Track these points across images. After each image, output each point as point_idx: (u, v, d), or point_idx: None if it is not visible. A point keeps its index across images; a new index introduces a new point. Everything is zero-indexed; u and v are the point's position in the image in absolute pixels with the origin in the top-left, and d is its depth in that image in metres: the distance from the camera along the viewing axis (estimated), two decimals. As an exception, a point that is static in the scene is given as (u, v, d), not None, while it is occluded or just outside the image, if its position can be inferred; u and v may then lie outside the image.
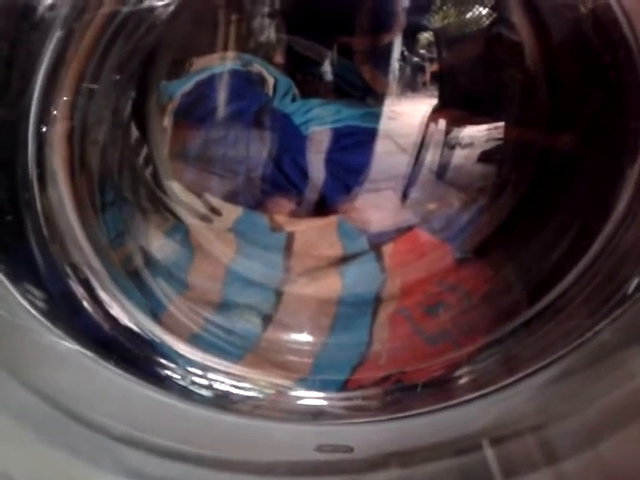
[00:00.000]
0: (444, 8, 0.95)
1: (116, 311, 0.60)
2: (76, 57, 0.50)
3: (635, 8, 0.50)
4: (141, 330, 0.63)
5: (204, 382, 0.66)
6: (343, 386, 0.73)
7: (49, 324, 0.53)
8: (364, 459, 0.63)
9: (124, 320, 0.61)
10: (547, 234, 0.73)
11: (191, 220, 0.88)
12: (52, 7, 0.46)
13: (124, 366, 0.58)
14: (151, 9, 0.52)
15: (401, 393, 0.70)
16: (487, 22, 0.90)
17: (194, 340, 0.71)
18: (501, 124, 0.88)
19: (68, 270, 0.56)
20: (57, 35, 0.47)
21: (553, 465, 0.60)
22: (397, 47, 0.99)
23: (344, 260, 0.89)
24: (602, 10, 0.53)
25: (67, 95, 0.52)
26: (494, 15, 0.89)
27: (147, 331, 0.63)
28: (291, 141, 0.96)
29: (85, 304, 0.58)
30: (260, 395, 0.69)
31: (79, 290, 0.57)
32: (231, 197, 0.92)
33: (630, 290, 0.56)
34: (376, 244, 0.90)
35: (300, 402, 0.70)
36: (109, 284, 0.59)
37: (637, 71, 0.52)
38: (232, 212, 0.91)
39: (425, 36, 1.01)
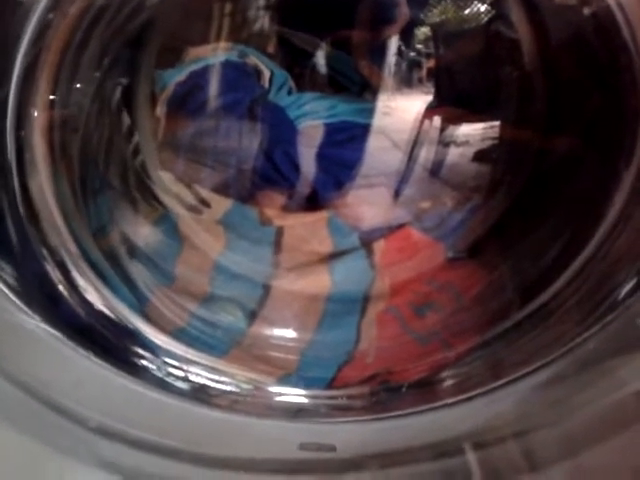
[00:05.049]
0: (442, 3, 0.94)
1: (92, 296, 0.59)
2: (54, 42, 0.49)
3: (636, 12, 0.50)
4: (117, 317, 0.62)
5: (180, 374, 0.65)
6: (329, 384, 0.72)
7: (23, 305, 0.52)
8: (341, 459, 0.62)
9: (99, 305, 0.60)
10: (540, 235, 0.72)
11: (180, 211, 0.87)
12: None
13: (100, 354, 0.57)
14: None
15: (386, 393, 0.69)
16: (486, 19, 0.89)
17: (178, 334, 0.70)
18: (497, 123, 0.87)
19: (44, 252, 0.55)
20: (35, 22, 0.47)
21: (535, 472, 0.60)
22: (394, 41, 0.98)
23: (334, 256, 0.88)
24: (603, 13, 0.53)
25: (47, 82, 0.51)
26: (493, 12, 0.88)
27: (123, 318, 0.62)
28: (284, 134, 0.95)
29: (60, 288, 0.57)
30: (238, 390, 0.68)
31: (55, 273, 0.56)
32: (221, 189, 0.91)
33: (621, 296, 0.55)
34: (367, 241, 0.89)
35: (279, 399, 0.69)
36: (86, 269, 0.58)
37: (635, 74, 0.52)
38: (221, 204, 0.90)
39: (422, 31, 1.00)
